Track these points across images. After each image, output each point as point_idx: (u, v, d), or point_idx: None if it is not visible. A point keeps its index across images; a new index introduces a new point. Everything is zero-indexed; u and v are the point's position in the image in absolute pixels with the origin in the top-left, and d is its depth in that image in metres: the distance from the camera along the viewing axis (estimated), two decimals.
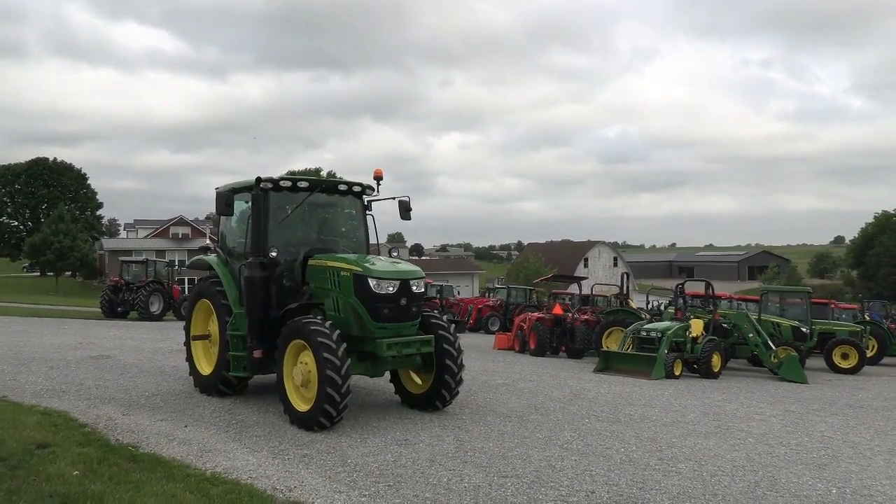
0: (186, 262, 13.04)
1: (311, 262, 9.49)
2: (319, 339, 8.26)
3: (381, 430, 8.58)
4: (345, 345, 8.36)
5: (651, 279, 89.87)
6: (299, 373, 8.59)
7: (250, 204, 9.66)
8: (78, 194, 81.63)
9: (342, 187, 10.26)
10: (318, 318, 8.75)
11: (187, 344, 11.06)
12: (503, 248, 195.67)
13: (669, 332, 16.47)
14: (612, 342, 19.33)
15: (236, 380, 10.16)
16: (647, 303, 26.31)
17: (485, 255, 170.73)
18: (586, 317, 22.47)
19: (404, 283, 8.95)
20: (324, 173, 75.65)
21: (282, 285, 9.57)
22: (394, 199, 10.39)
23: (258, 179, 9.51)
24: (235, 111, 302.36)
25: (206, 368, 10.69)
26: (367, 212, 10.62)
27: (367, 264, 8.97)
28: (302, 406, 8.59)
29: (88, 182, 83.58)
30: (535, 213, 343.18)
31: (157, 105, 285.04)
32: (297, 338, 8.60)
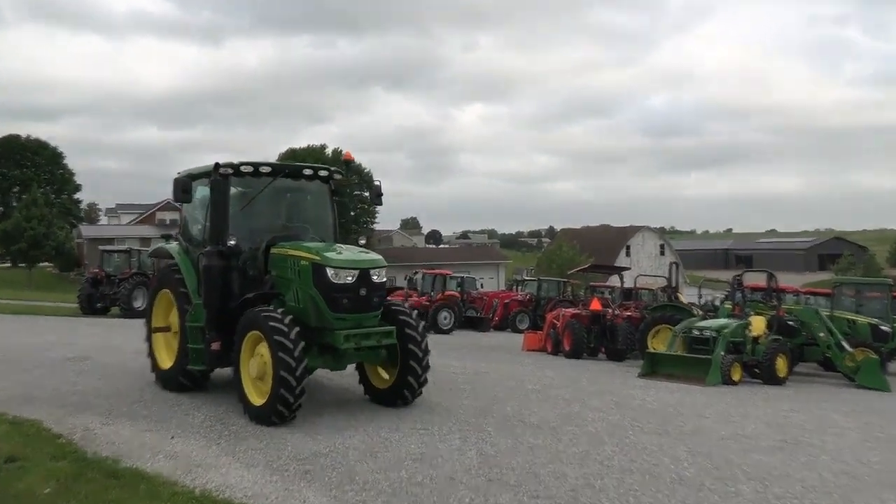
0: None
1: (273, 250, 10.27)
2: (274, 331, 8.97)
3: (393, 443, 8.56)
4: (301, 337, 9.05)
5: (704, 270, 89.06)
6: (255, 365, 9.29)
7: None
8: (54, 175, 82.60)
9: (307, 172, 11.08)
10: (277, 309, 9.42)
11: (148, 338, 11.88)
12: (533, 234, 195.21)
13: (726, 330, 16.32)
14: (660, 342, 19.23)
15: (198, 373, 10.87)
16: (700, 297, 26.10)
17: (512, 242, 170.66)
18: (629, 313, 22.33)
19: (363, 273, 9.74)
20: (329, 150, 75.97)
21: (245, 275, 10.40)
22: (363, 182, 10.86)
23: (216, 165, 10.30)
24: (231, 81, 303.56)
25: (166, 361, 11.47)
26: (335, 197, 11.46)
27: (326, 253, 9.75)
28: (258, 400, 9.30)
29: (65, 161, 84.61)
30: (570, 195, 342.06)
31: (144, 74, 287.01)
32: (254, 329, 9.33)
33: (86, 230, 76.17)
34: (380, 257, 10.29)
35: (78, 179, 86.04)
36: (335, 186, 11.50)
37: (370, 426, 9.36)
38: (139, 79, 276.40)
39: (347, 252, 10.10)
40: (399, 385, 10.42)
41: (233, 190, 10.79)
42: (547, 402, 11.94)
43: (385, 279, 10.18)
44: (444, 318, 29.22)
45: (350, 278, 9.63)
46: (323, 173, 11.22)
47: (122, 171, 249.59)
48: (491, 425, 9.77)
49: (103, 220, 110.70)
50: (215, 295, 10.12)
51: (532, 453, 8.41)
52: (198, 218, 11.26)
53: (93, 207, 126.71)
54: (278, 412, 8.97)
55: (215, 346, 10.06)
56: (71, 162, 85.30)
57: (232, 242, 10.16)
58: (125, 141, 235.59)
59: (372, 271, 9.86)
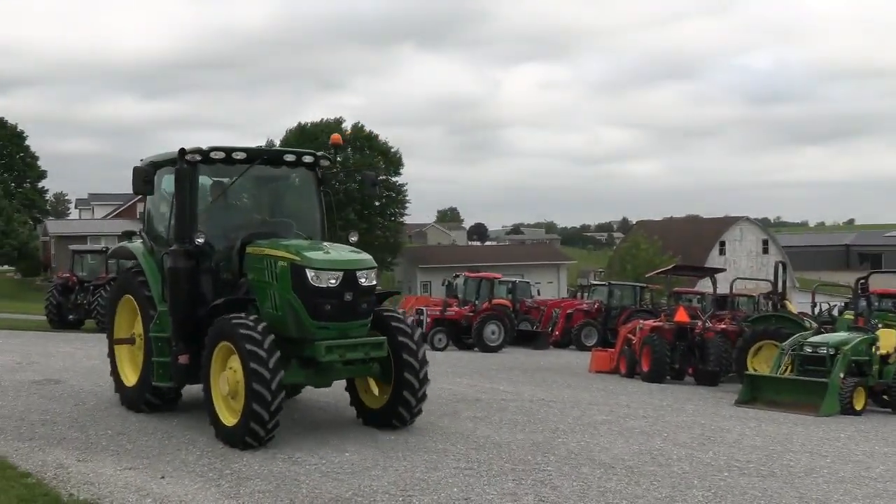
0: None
1: (248, 249, 11.04)
2: (245, 339, 9.74)
3: (431, 485, 8.66)
4: (279, 347, 9.87)
5: (819, 271, 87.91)
6: (226, 380, 10.08)
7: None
8: (13, 160, 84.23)
9: (289, 157, 11.95)
10: (251, 317, 10.16)
11: (111, 352, 12.72)
12: (602, 228, 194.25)
13: (847, 347, 16.15)
14: (762, 362, 19.10)
15: (164, 391, 11.70)
16: (814, 305, 25.80)
17: (575, 238, 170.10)
18: (723, 326, 22.15)
19: (349, 275, 10.43)
20: (347, 125, 76.35)
21: (218, 278, 11.26)
22: (353, 169, 11.39)
23: (182, 151, 11.14)
24: (225, 40, 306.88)
25: (131, 378, 12.32)
26: (322, 187, 12.34)
27: (306, 252, 10.49)
28: (230, 419, 10.12)
29: (27, 144, 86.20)
30: (649, 178, 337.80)
31: (119, 34, 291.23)
32: (224, 339, 10.14)
33: (53, 226, 77.50)
34: (368, 257, 11.05)
35: (42, 164, 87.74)
36: (322, 174, 12.31)
37: (403, 465, 9.48)
38: (113, 40, 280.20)
39: (328, 251, 10.80)
40: (394, 403, 11.06)
41: (209, 180, 11.73)
42: (621, 435, 11.96)
43: (374, 282, 10.94)
44: (492, 332, 29.28)
45: (333, 281, 10.29)
46: (307, 159, 11.97)
47: (95, 153, 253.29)
48: (551, 464, 9.82)
49: (73, 213, 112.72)
50: (182, 301, 10.91)
51: (603, 499, 8.44)
52: (164, 212, 12.04)
53: (61, 198, 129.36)
54: (252, 432, 9.69)
55: (183, 359, 10.83)
56: (33, 143, 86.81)
57: (200, 240, 10.91)
58: (97, 117, 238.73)
59: (359, 273, 10.54)
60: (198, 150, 11.18)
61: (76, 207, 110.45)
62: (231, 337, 9.97)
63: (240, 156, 11.39)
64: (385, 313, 11.23)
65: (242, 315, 10.19)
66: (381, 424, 11.25)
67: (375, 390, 11.52)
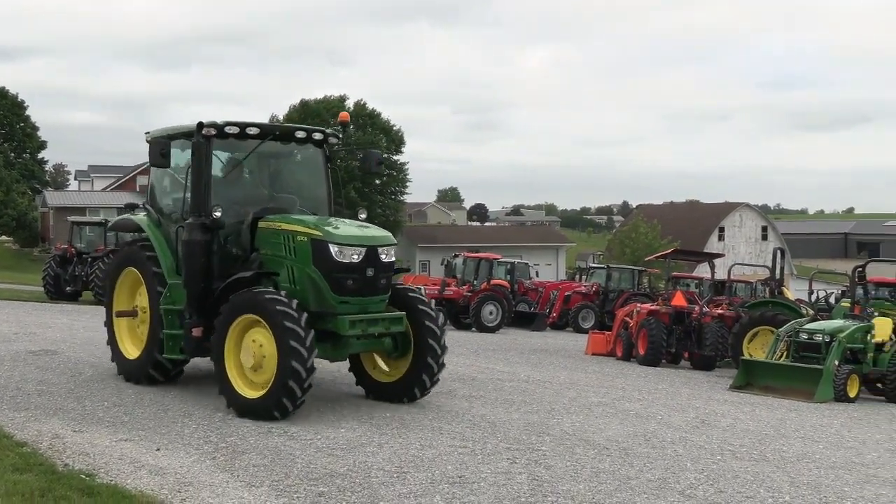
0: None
1: (261, 224, 11.11)
2: (284, 317, 9.74)
3: (426, 462, 8.71)
4: (312, 329, 9.89)
5: (817, 259, 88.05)
6: (249, 354, 10.11)
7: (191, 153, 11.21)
8: (13, 130, 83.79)
9: (300, 134, 12.02)
10: (280, 292, 10.21)
11: (108, 323, 12.67)
12: (602, 211, 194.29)
13: (843, 334, 16.21)
14: (758, 348, 19.21)
15: (171, 364, 11.76)
16: (811, 292, 25.82)
17: (575, 220, 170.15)
18: (720, 311, 22.21)
19: (371, 251, 10.62)
20: (350, 103, 76.10)
21: (227, 252, 11.24)
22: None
23: (200, 125, 11.13)
24: (235, 14, 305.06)
25: (132, 351, 12.34)
26: (330, 164, 12.46)
27: (328, 228, 10.65)
28: (249, 392, 10.21)
29: (28, 114, 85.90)
30: (652, 163, 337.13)
31: (132, 6, 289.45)
32: (250, 313, 10.15)
33: (52, 197, 77.23)
34: (388, 234, 11.38)
35: (43, 135, 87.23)
36: (330, 152, 12.43)
37: (398, 441, 9.53)
38: (120, 10, 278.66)
39: (347, 227, 11.01)
40: (409, 380, 11.32)
41: (224, 155, 11.87)
42: (615, 417, 12.02)
43: (394, 259, 11.15)
44: (490, 312, 29.30)
45: (356, 257, 10.48)
46: (317, 136, 12.09)
47: (97, 125, 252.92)
48: (546, 444, 9.87)
49: (73, 185, 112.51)
50: (198, 274, 10.87)
51: (596, 479, 8.48)
52: (172, 185, 12.19)
53: (60, 170, 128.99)
54: (282, 406, 9.85)
55: (197, 331, 10.85)
56: (34, 114, 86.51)
57: (218, 213, 10.88)
58: (102, 88, 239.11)
59: (380, 249, 10.76)
60: (213, 125, 11.19)
61: (75, 179, 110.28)
62: (264, 312, 9.97)
63: (253, 131, 11.44)
64: (409, 293, 11.56)
65: (272, 289, 10.32)
66: (396, 396, 11.46)
67: (384, 366, 11.73)
